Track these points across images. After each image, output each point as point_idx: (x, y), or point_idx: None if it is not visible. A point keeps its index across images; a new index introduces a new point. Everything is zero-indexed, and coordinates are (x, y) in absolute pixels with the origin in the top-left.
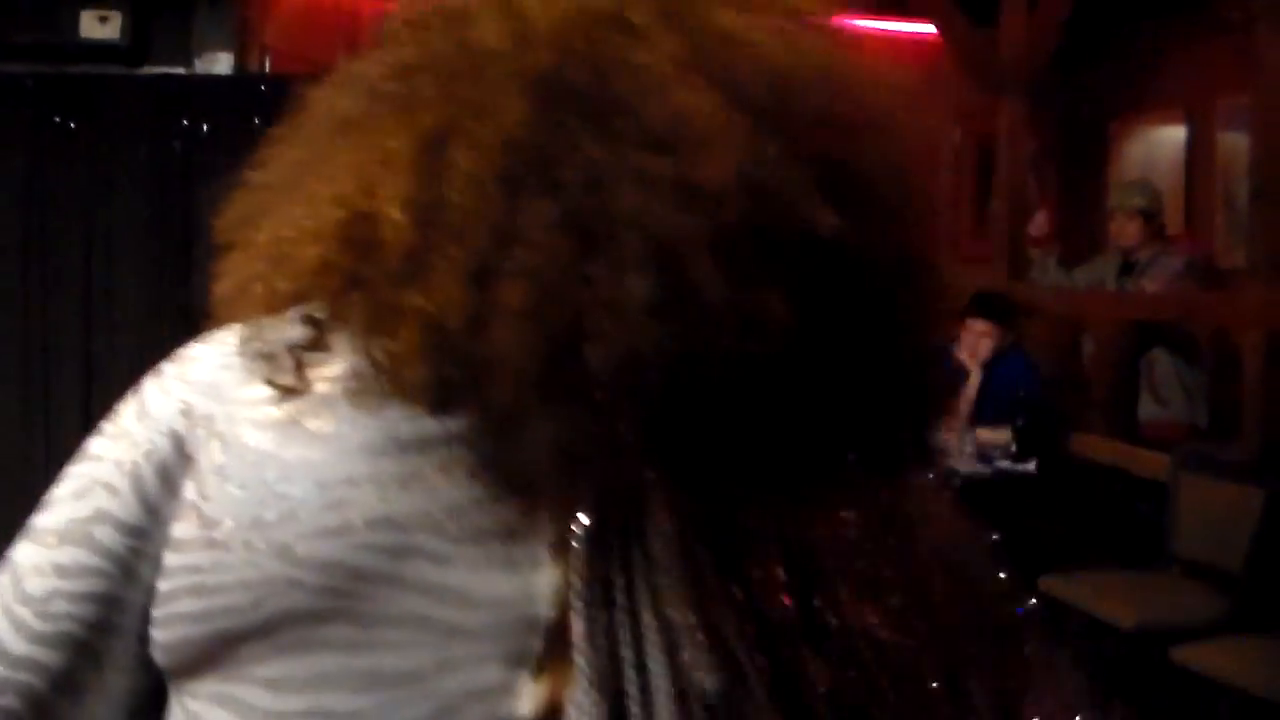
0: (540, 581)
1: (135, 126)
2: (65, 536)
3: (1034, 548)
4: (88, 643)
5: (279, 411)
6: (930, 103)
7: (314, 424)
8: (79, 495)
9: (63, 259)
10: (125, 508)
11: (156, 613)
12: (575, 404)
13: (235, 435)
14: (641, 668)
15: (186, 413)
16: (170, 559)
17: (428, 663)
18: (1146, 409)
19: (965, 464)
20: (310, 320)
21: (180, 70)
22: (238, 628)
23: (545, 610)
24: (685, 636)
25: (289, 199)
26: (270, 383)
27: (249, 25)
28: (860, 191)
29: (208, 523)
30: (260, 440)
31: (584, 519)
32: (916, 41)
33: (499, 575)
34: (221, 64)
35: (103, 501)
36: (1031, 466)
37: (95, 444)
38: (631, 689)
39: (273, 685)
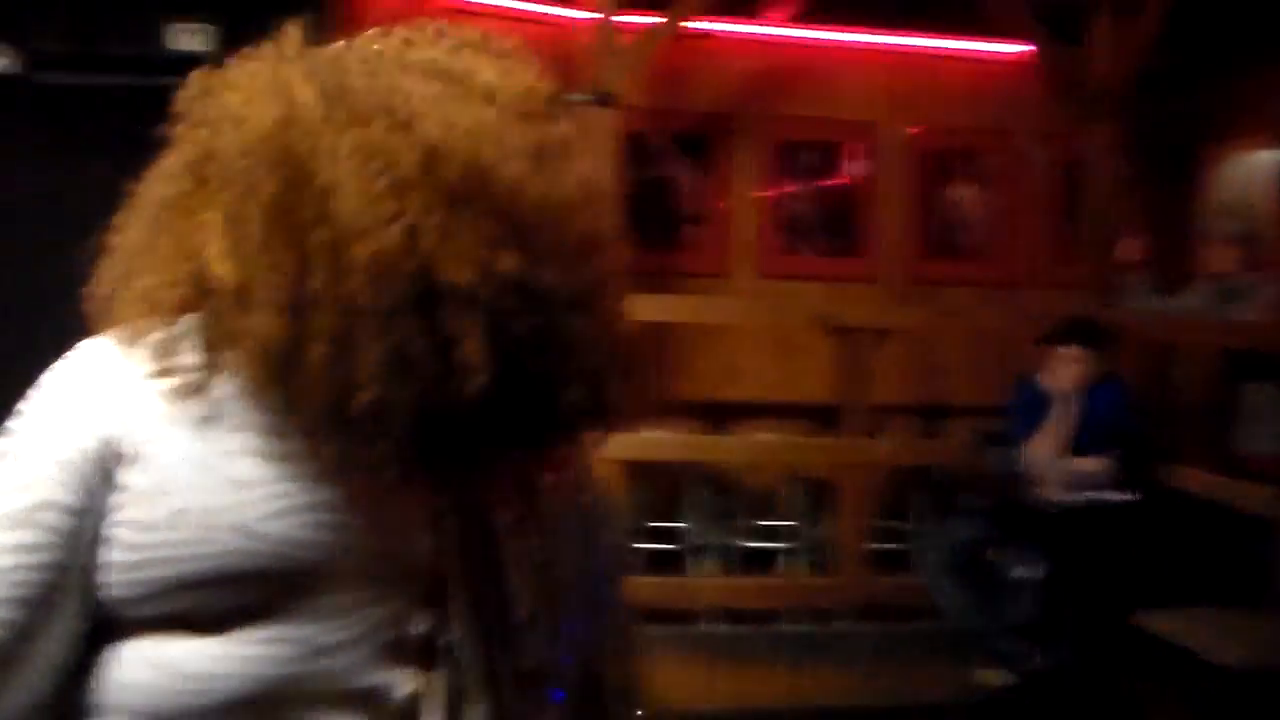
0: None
1: None
2: (19, 521)
3: (1132, 581)
4: (44, 600)
5: (193, 412)
6: (1016, 124)
7: (228, 423)
8: (24, 488)
9: None
10: (68, 495)
11: (125, 576)
12: (351, 430)
13: (169, 434)
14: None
15: (117, 414)
16: (136, 537)
17: (359, 598)
18: (1247, 441)
19: (1059, 494)
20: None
21: None
22: (208, 583)
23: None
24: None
25: (147, 260)
26: (178, 390)
27: (337, 34)
28: (535, 240)
29: (166, 508)
30: (190, 438)
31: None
32: (1002, 62)
33: (394, 537)
34: None
35: (47, 492)
36: (1127, 497)
37: (24, 443)
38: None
39: (231, 625)
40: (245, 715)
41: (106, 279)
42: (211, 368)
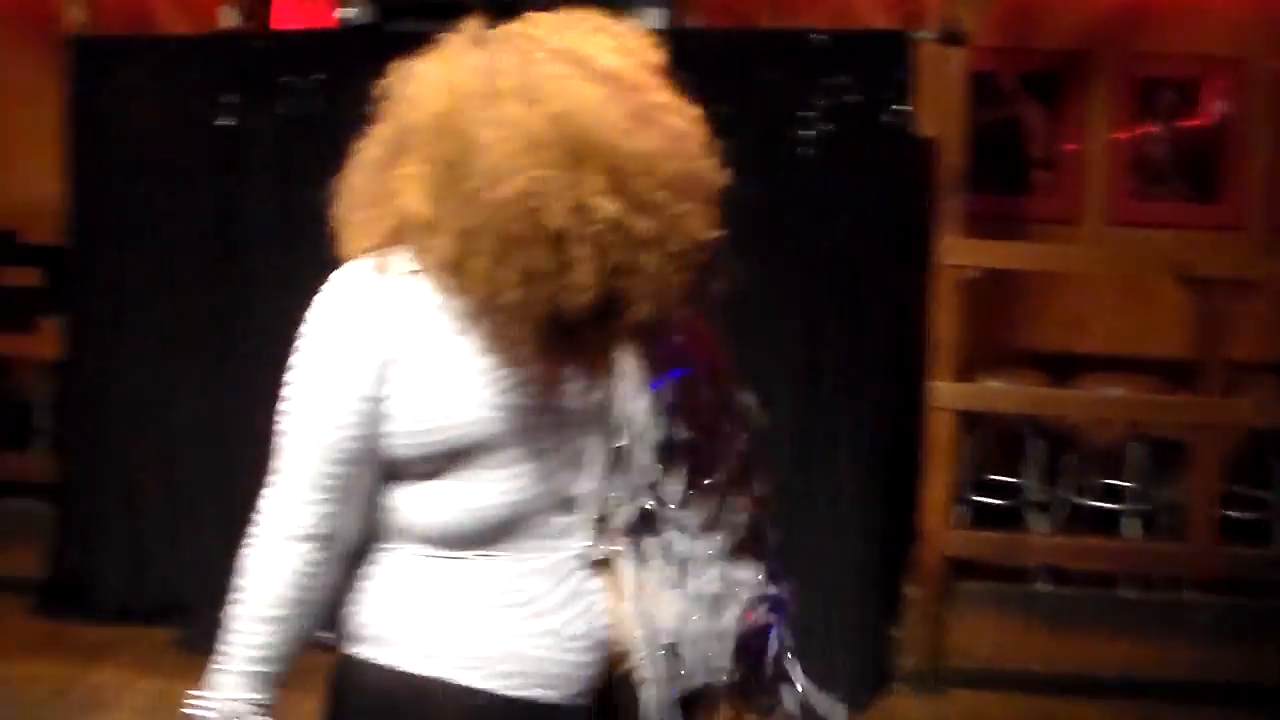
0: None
1: None
2: (336, 407)
3: None
4: (357, 459)
5: (446, 322)
6: None
7: (454, 330)
8: (334, 383)
9: None
10: (365, 386)
11: (408, 441)
12: (499, 317)
13: (420, 342)
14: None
15: (385, 328)
16: (414, 414)
17: (571, 449)
18: None
19: None
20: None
21: None
22: (468, 447)
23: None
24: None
25: (365, 200)
26: (436, 306)
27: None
28: (632, 187)
29: (432, 393)
30: (435, 344)
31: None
32: None
33: (588, 394)
34: (654, 19)
35: (350, 385)
36: None
37: (325, 349)
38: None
39: (489, 472)
40: (503, 527)
41: (338, 214)
42: (420, 279)
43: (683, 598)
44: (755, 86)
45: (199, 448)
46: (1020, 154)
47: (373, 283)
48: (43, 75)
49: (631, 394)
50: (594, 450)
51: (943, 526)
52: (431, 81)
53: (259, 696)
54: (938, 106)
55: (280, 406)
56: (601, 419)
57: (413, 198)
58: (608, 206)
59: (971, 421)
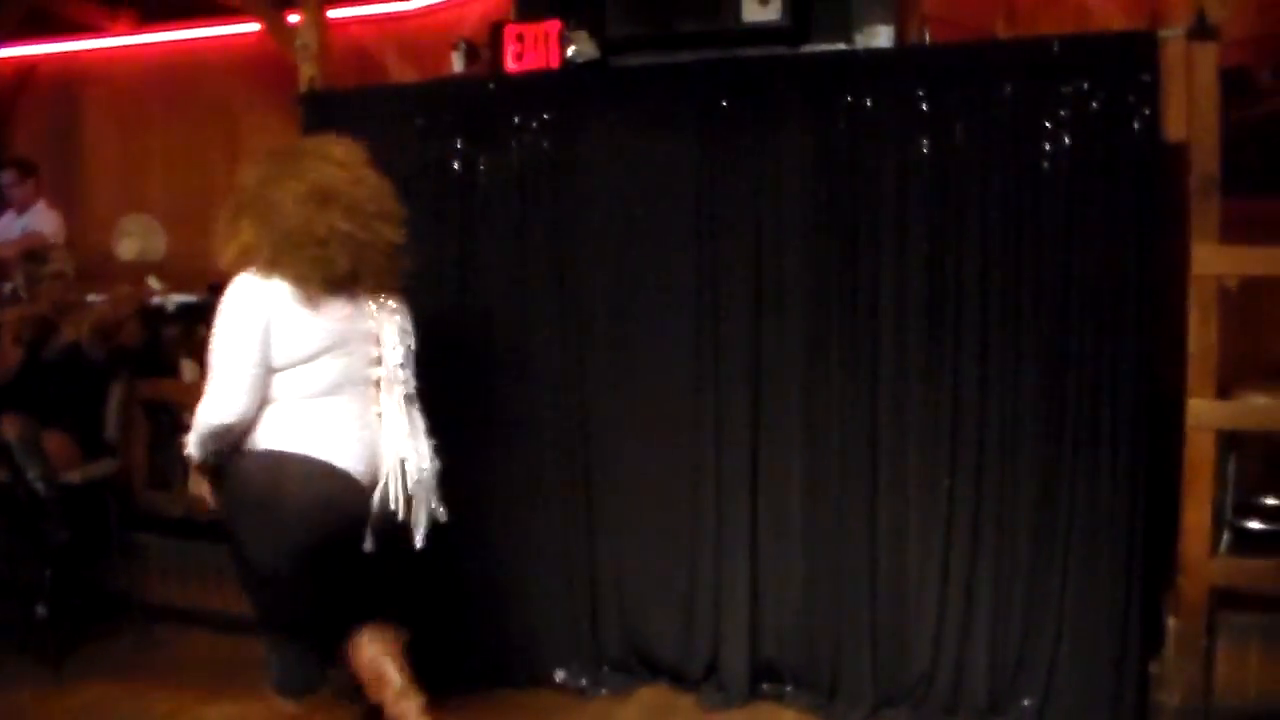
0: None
1: (798, 107)
2: (245, 350)
3: None
4: (259, 377)
5: (288, 298)
6: None
7: (298, 299)
8: (243, 337)
9: (734, 242)
10: (260, 335)
11: (283, 358)
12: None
13: (285, 309)
14: None
15: (267, 304)
16: (286, 344)
17: (361, 349)
18: None
19: None
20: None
21: (840, 46)
22: (312, 353)
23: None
24: None
25: (227, 235)
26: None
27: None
28: (356, 213)
29: (295, 333)
30: (292, 308)
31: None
32: None
33: (363, 322)
34: (881, 37)
35: (253, 337)
36: None
37: (236, 319)
38: None
39: (323, 361)
40: (333, 388)
41: (216, 245)
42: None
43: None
44: (993, 101)
45: None
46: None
47: (253, 282)
48: (282, 132)
49: (385, 323)
50: (371, 351)
51: (1205, 554)
52: (251, 173)
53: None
54: (1188, 107)
55: (213, 349)
56: (371, 336)
57: (248, 234)
58: (344, 225)
59: (1234, 441)
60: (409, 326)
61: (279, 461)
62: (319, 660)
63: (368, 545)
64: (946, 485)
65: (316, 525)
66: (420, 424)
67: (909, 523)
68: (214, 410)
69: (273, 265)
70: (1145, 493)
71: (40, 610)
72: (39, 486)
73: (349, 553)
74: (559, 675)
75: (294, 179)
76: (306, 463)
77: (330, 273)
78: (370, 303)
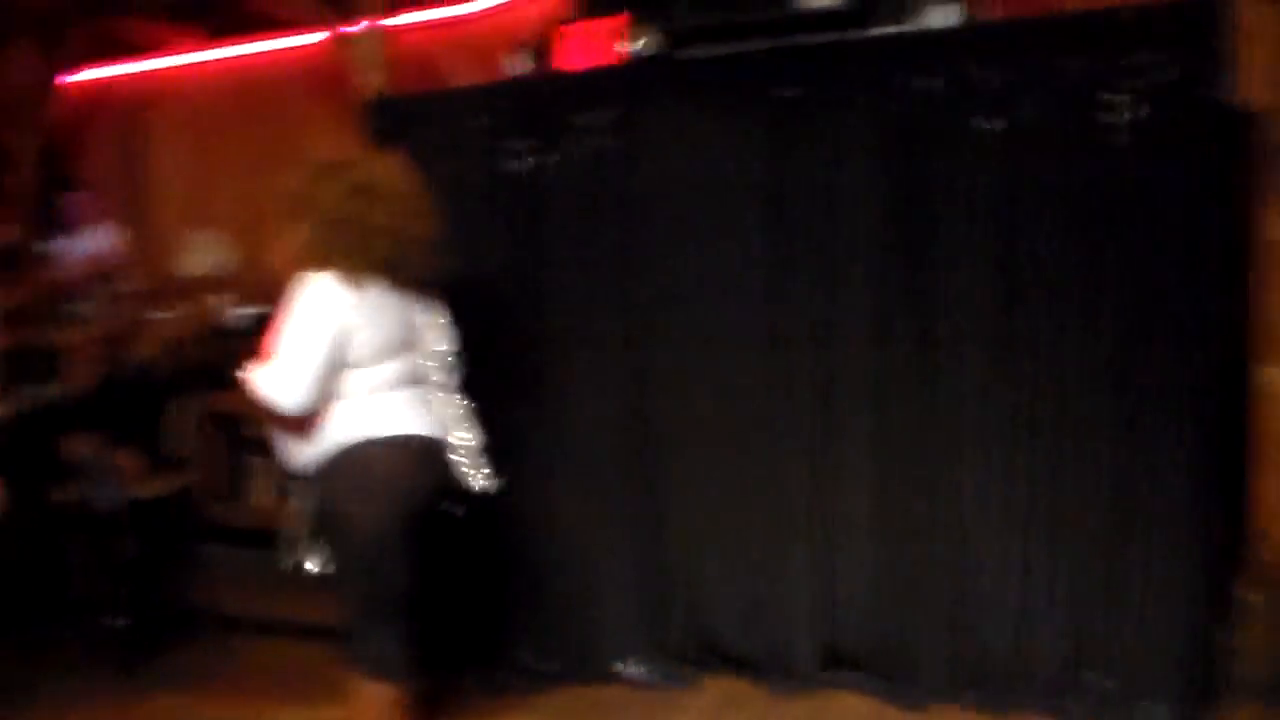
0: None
1: (861, 91)
2: (319, 345)
3: None
4: (330, 365)
5: (366, 300)
6: None
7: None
8: (316, 333)
9: (801, 233)
10: (334, 337)
11: (356, 353)
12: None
13: (355, 309)
14: None
15: (345, 304)
16: (355, 345)
17: (413, 344)
18: None
19: None
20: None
21: (905, 28)
22: (377, 349)
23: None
24: None
25: (283, 238)
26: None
27: None
28: (402, 215)
29: (366, 329)
30: (367, 311)
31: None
32: None
33: (411, 320)
34: (944, 17)
35: (326, 333)
36: None
37: (308, 320)
38: None
39: (386, 357)
40: (394, 380)
41: (270, 247)
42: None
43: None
44: (1059, 75)
45: None
46: None
47: (329, 284)
48: (348, 142)
49: (433, 319)
50: (425, 345)
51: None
52: (296, 178)
53: None
54: (1260, 73)
55: (284, 339)
56: (422, 331)
57: (297, 233)
58: (385, 219)
59: None
60: (448, 321)
61: (362, 446)
62: (415, 647)
63: (459, 510)
64: (1018, 463)
65: (409, 489)
66: (466, 410)
67: (978, 503)
68: (277, 395)
69: (325, 261)
70: (1217, 462)
71: (116, 622)
72: (110, 503)
73: (438, 518)
74: (624, 668)
75: (336, 179)
76: (389, 439)
77: (377, 263)
78: (416, 299)
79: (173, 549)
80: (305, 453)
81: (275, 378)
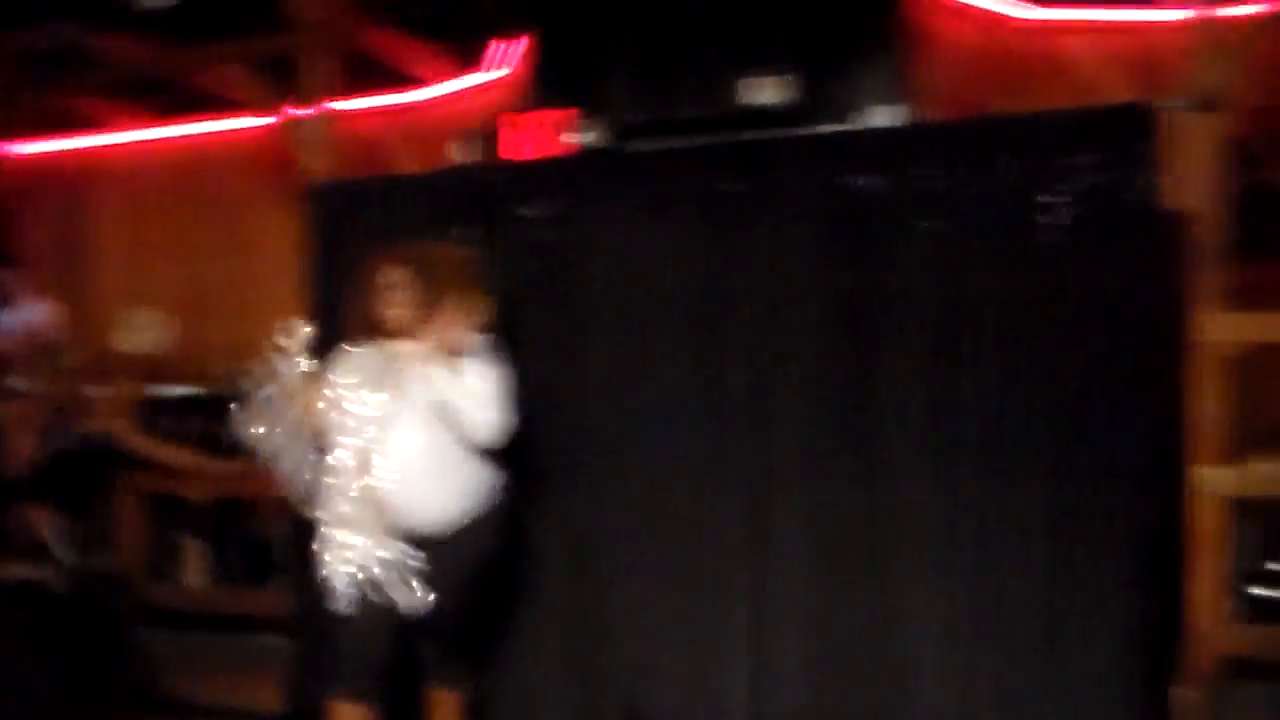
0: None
1: (800, 188)
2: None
3: None
4: None
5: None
6: None
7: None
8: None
9: (737, 331)
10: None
11: None
12: None
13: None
14: None
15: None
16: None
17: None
18: None
19: None
20: None
21: (846, 127)
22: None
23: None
24: None
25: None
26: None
27: (911, 78)
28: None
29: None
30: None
31: None
32: None
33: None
34: (885, 117)
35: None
36: None
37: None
38: None
39: None
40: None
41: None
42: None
43: None
44: (994, 176)
45: None
46: None
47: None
48: (288, 224)
49: None
50: None
51: (1215, 622)
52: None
53: None
54: (1192, 177)
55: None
56: None
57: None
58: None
59: (1242, 508)
60: None
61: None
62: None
63: None
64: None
65: None
66: None
67: (912, 607)
68: (500, 429)
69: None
70: (1153, 562)
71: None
72: (71, 579)
73: None
74: None
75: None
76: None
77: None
78: None
79: (113, 629)
80: (450, 505)
81: (500, 418)
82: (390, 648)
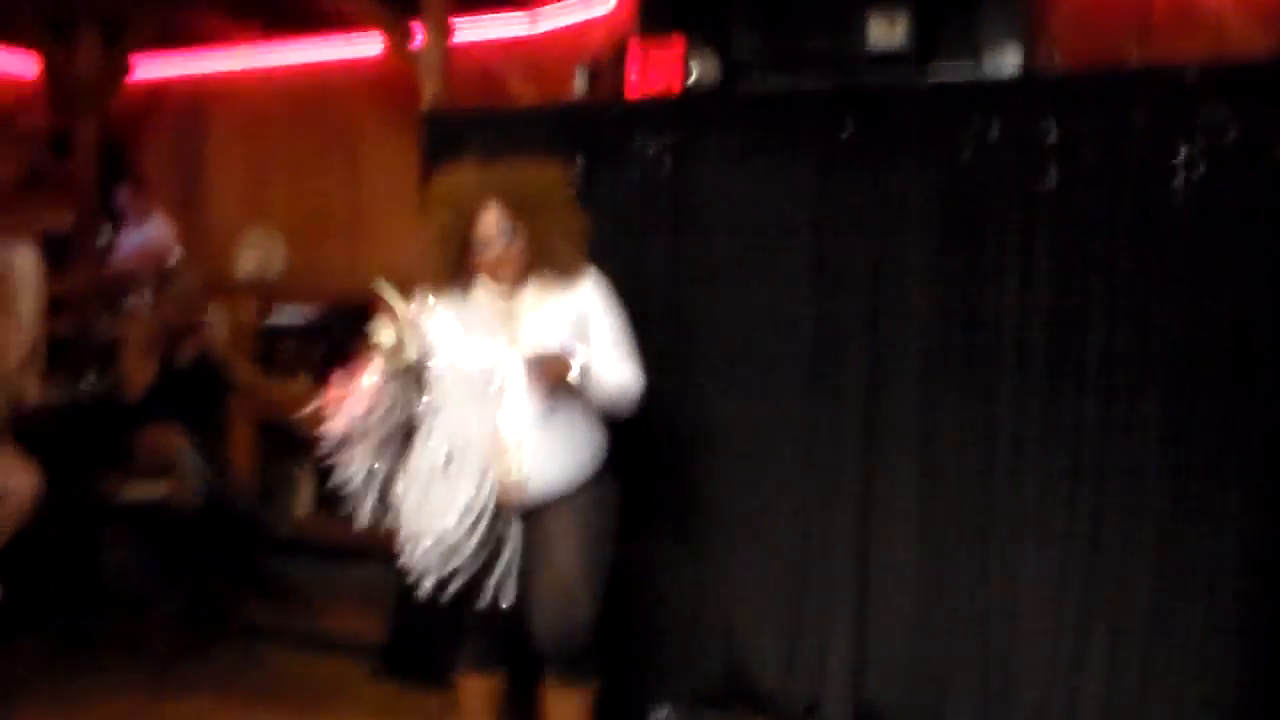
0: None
1: (921, 136)
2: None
3: None
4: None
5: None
6: None
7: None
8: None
9: (851, 278)
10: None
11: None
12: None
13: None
14: None
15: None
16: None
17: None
18: None
19: None
20: None
21: (969, 75)
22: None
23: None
24: None
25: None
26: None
27: (1037, 19)
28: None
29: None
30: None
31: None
32: None
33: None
34: (1009, 61)
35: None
36: None
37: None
38: None
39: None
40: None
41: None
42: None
43: None
44: (1124, 132)
45: None
46: None
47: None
48: (403, 151)
49: None
50: None
51: None
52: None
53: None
54: None
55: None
56: None
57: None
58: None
59: None
60: None
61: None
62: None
63: None
64: (1062, 527)
65: None
66: None
67: (1022, 564)
68: (639, 387)
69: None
70: (1272, 535)
71: (161, 623)
72: (204, 499)
73: None
74: (657, 714)
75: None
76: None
77: None
78: None
79: (227, 555)
80: (569, 463)
81: (640, 379)
82: (509, 617)
